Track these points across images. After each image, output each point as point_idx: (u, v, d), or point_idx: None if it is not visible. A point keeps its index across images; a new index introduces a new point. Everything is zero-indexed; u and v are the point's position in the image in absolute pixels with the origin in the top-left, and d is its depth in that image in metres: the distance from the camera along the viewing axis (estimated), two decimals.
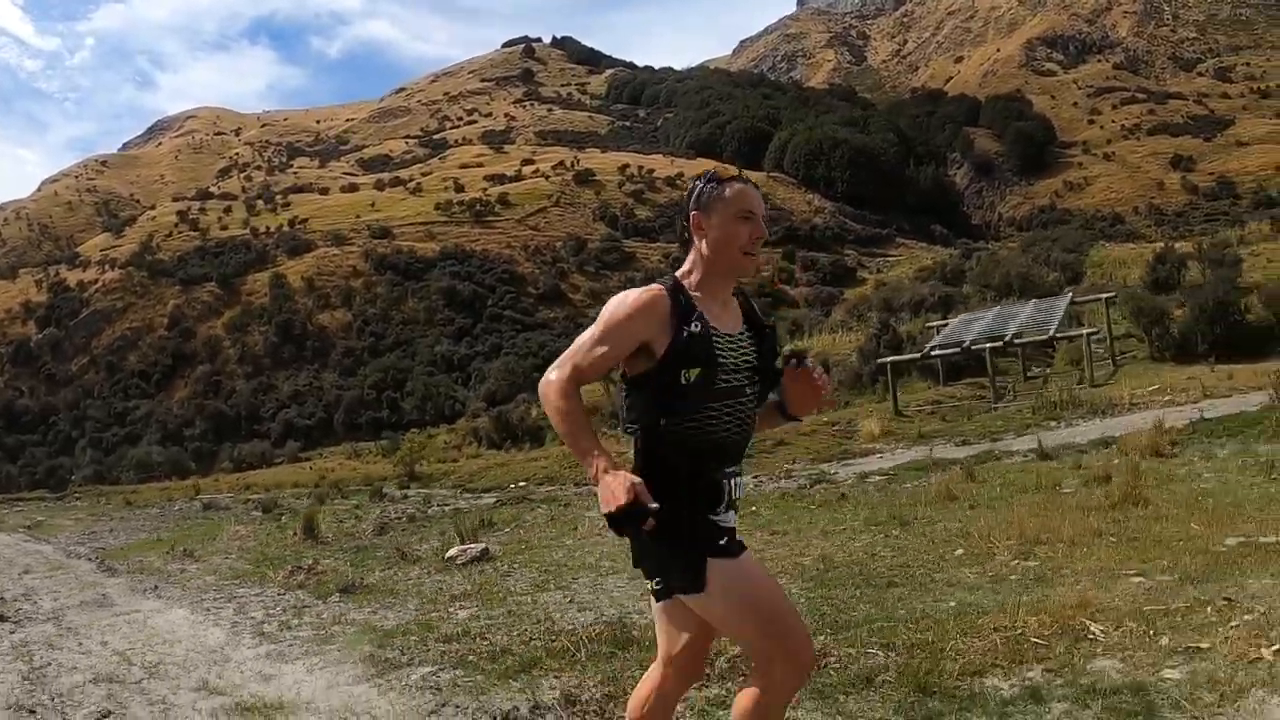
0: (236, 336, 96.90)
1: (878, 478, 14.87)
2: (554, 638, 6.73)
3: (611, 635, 6.53)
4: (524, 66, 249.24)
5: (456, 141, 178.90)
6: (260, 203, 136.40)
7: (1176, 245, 54.14)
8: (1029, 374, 30.33)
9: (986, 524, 9.10)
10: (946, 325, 32.78)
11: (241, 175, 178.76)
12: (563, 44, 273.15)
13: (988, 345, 27.24)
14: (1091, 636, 5.34)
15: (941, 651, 5.34)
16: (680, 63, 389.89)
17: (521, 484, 24.87)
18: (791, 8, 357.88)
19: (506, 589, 9.07)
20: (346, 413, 77.98)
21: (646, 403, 3.29)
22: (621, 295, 3.32)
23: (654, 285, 3.33)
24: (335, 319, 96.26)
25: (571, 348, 3.33)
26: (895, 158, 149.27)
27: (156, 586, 11.78)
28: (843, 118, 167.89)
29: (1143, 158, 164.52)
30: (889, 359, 28.89)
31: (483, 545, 11.29)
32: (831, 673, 5.31)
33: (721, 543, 3.26)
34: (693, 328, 3.22)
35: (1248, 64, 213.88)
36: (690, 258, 3.45)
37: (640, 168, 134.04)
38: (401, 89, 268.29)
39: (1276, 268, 49.24)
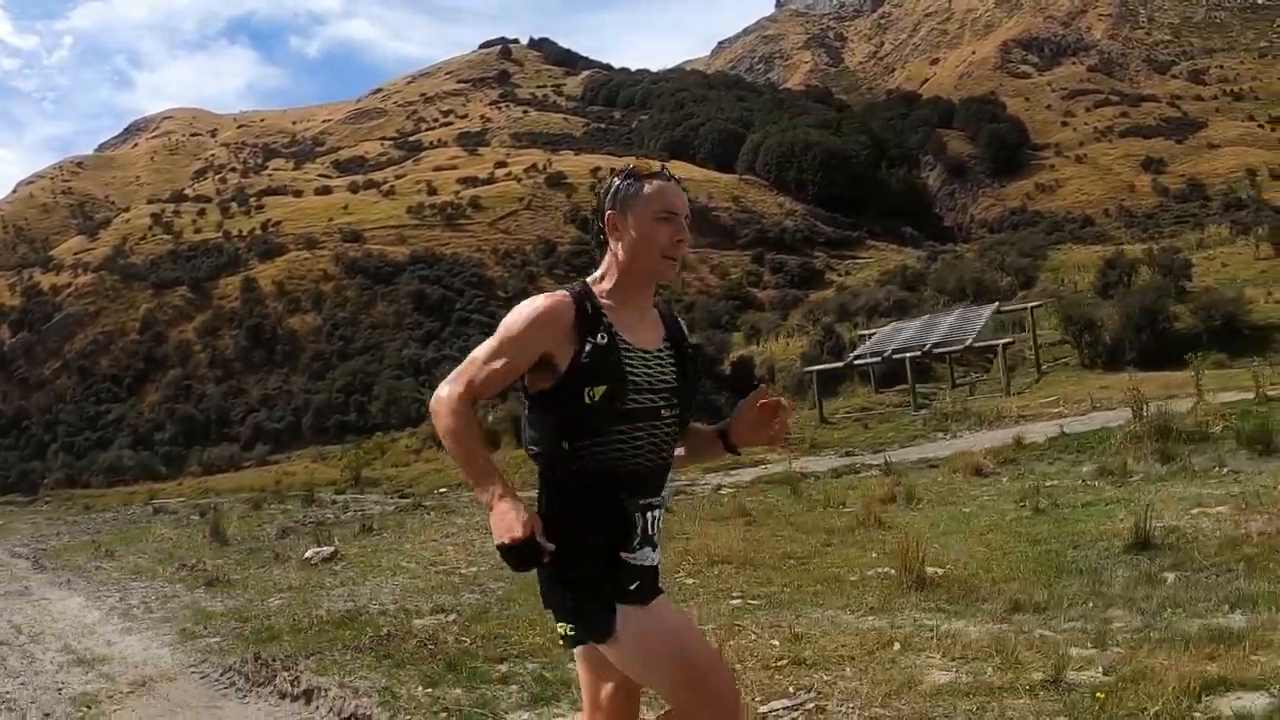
0: (207, 340, 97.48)
1: (729, 490, 15.69)
2: (303, 620, 8.61)
3: (340, 620, 8.48)
4: (500, 68, 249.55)
5: (431, 144, 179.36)
6: (234, 205, 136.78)
7: (1126, 250, 55.26)
8: (957, 382, 31.13)
9: (706, 541, 10.13)
10: (874, 334, 33.58)
11: (216, 177, 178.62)
12: (540, 45, 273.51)
13: (907, 355, 28.05)
14: None
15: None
16: (659, 64, 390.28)
17: (443, 490, 25.68)
18: (770, 9, 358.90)
19: (322, 584, 10.76)
20: (315, 416, 78.57)
21: (549, 423, 3.00)
22: (523, 303, 3.06)
23: (559, 291, 3.07)
24: (305, 323, 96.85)
25: (466, 360, 3.07)
26: (867, 160, 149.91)
27: (70, 580, 14.01)
28: (816, 120, 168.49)
29: (1114, 160, 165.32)
30: (814, 368, 29.71)
31: (333, 548, 12.68)
32: None
33: (633, 587, 2.94)
34: (598, 339, 2.95)
35: (1221, 66, 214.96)
36: (604, 262, 3.16)
37: (612, 170, 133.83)
38: (378, 90, 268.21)
39: (1229, 272, 50.38)
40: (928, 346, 28.36)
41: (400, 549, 13.03)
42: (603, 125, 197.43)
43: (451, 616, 8.12)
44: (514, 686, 5.85)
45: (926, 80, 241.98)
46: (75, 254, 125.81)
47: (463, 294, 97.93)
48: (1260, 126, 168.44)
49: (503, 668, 6.26)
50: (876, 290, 59.72)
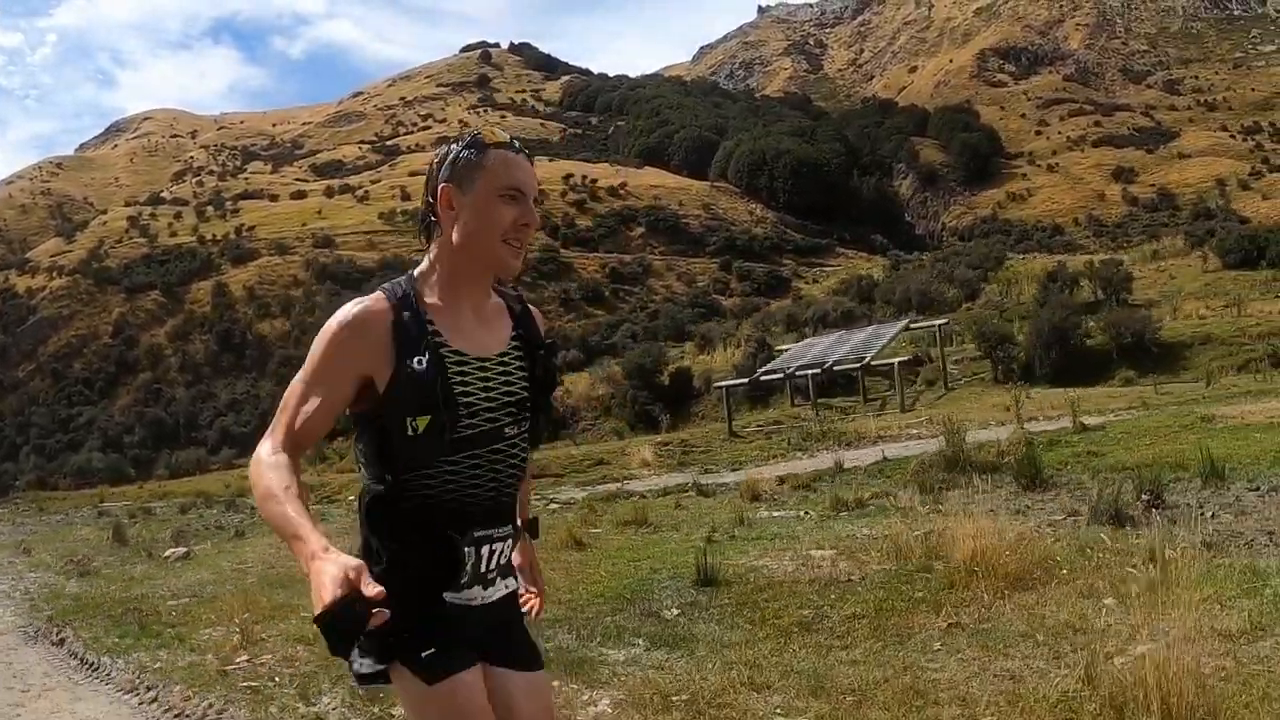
0: (178, 345, 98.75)
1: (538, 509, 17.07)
2: (98, 599, 11.66)
3: (123, 600, 11.43)
4: (480, 72, 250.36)
5: (409, 148, 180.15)
6: (210, 209, 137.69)
7: (1069, 262, 56.78)
8: (869, 397, 32.43)
9: None
10: (788, 349, 34.86)
11: (194, 180, 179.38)
12: (520, 50, 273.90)
13: (809, 372, 29.40)
14: None
15: None
16: (642, 69, 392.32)
17: (353, 498, 26.95)
18: (752, 15, 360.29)
19: (157, 577, 13.10)
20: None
21: (369, 452, 2.56)
22: (332, 317, 2.57)
23: (374, 294, 2.60)
24: (274, 328, 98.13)
25: (281, 404, 2.52)
26: (839, 168, 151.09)
27: None
28: (791, 127, 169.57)
29: (1086, 169, 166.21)
30: (724, 383, 30.99)
31: (186, 549, 14.44)
32: None
33: (425, 654, 2.48)
34: (418, 362, 2.47)
35: (1196, 77, 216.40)
36: (432, 249, 2.67)
37: (584, 177, 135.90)
38: (359, 93, 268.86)
39: (1175, 284, 51.80)
40: (828, 364, 29.65)
41: (239, 553, 14.74)
42: (579, 131, 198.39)
43: (186, 600, 10.91)
44: (172, 643, 8.83)
45: (904, 88, 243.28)
46: (52, 256, 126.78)
47: None
48: (1232, 136, 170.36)
49: (174, 630, 9.34)
50: (826, 301, 61.03)
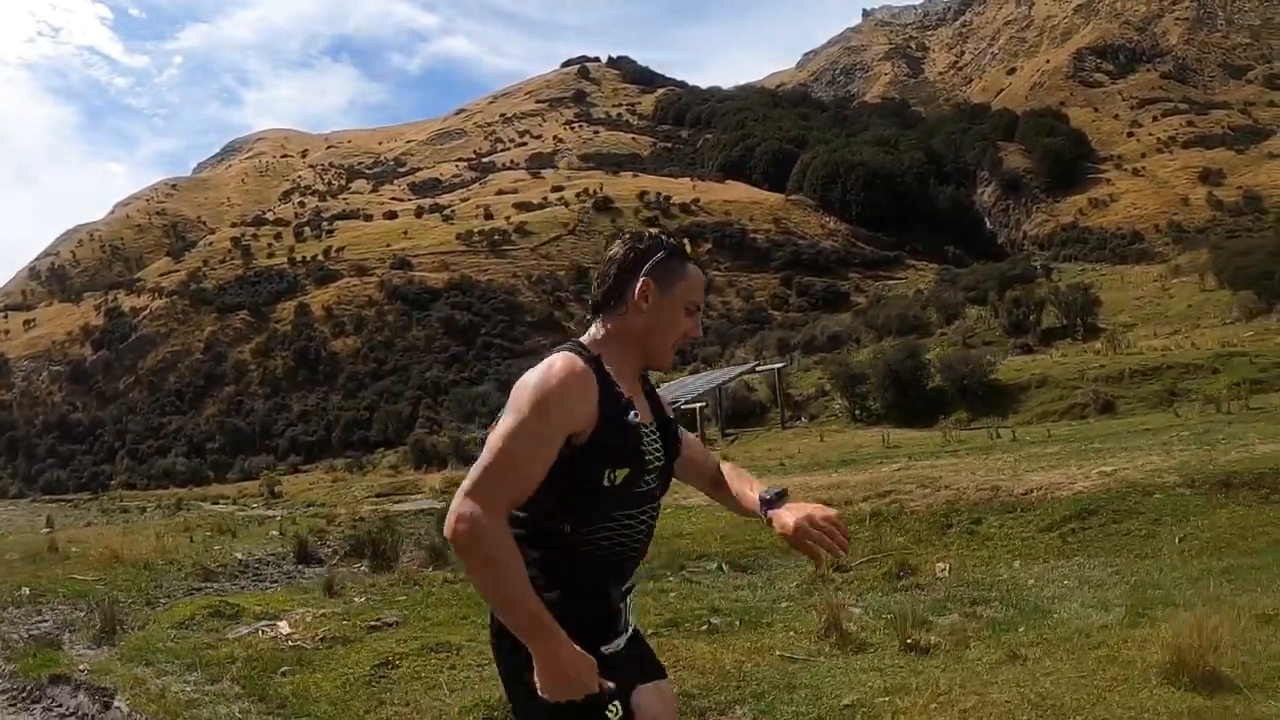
0: (260, 360, 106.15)
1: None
2: None
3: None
4: (577, 87, 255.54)
5: (503, 165, 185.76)
6: (308, 229, 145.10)
7: (1035, 287, 58.15)
8: (726, 432, 35.45)
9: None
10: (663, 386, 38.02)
11: (297, 200, 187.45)
12: (618, 63, 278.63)
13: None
14: None
15: None
16: (749, 76, 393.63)
17: (310, 506, 31.54)
18: (857, 19, 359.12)
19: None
20: (344, 431, 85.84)
21: (547, 502, 2.53)
22: (539, 373, 2.55)
23: (565, 354, 2.61)
24: (347, 345, 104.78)
25: (485, 459, 2.47)
26: (916, 177, 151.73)
27: None
28: (874, 136, 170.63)
29: (1172, 172, 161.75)
30: None
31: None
32: None
33: (614, 699, 2.54)
34: (629, 416, 2.60)
35: None
36: (606, 326, 2.74)
37: (659, 193, 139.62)
38: (462, 110, 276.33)
39: (1162, 306, 52.93)
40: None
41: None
42: (669, 145, 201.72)
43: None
44: None
45: (1002, 90, 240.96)
46: (159, 276, 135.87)
47: (489, 319, 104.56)
48: None
49: None
50: (814, 326, 63.63)
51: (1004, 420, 29.26)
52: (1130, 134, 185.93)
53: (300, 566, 14.70)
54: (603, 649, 2.58)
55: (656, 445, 2.74)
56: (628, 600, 2.74)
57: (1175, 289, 57.54)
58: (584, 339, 2.74)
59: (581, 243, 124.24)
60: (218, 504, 39.95)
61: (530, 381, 2.52)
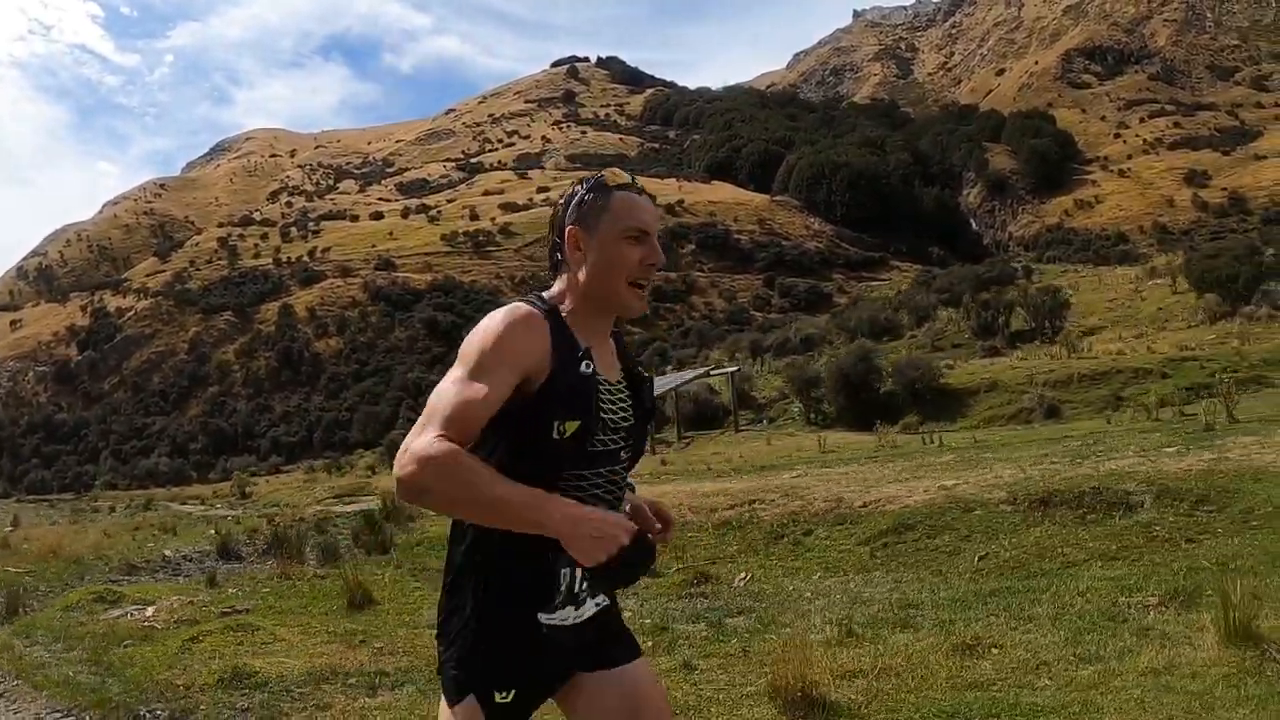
0: (244, 361, 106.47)
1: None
2: None
3: None
4: (566, 87, 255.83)
5: (490, 166, 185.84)
6: (294, 230, 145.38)
7: (1007, 290, 58.37)
8: (682, 436, 35.78)
9: None
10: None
11: (284, 201, 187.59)
12: (607, 64, 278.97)
13: None
14: None
15: None
16: (740, 76, 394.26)
17: (274, 507, 31.78)
18: (847, 19, 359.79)
19: None
20: (325, 432, 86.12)
21: (493, 456, 2.38)
22: (489, 317, 2.46)
23: (517, 303, 2.50)
24: (330, 346, 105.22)
25: (430, 403, 2.35)
26: (902, 179, 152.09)
27: None
28: (860, 138, 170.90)
29: (1158, 173, 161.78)
30: None
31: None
32: None
33: (513, 685, 2.47)
34: (583, 367, 2.45)
35: None
36: (558, 284, 2.62)
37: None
38: (451, 110, 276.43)
39: (1133, 308, 52.89)
40: None
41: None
42: (657, 145, 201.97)
43: None
44: None
45: (990, 91, 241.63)
46: (145, 276, 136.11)
47: (472, 321, 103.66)
48: None
49: None
50: (787, 328, 63.92)
51: (953, 424, 29.43)
52: (1117, 135, 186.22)
53: (220, 563, 15.05)
54: (541, 616, 2.46)
55: (622, 405, 2.62)
56: (578, 570, 2.44)
57: (1148, 292, 57.49)
58: (545, 292, 2.64)
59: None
60: (186, 504, 40.24)
61: (477, 328, 2.46)
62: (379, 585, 10.14)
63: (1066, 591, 6.57)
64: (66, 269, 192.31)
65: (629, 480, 2.73)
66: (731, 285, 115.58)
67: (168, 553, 16.04)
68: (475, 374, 2.34)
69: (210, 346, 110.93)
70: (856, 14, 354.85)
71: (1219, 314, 43.29)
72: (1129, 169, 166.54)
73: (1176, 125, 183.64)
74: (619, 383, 2.64)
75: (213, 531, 19.32)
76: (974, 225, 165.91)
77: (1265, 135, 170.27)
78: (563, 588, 2.45)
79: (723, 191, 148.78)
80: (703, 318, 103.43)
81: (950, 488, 9.82)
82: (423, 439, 2.25)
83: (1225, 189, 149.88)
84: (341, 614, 8.89)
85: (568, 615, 2.48)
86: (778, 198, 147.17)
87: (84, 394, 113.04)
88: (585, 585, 2.48)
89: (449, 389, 2.35)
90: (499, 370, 2.34)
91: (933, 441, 21.71)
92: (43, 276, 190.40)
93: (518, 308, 2.46)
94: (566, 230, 2.60)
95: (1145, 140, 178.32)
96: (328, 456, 69.89)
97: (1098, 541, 7.60)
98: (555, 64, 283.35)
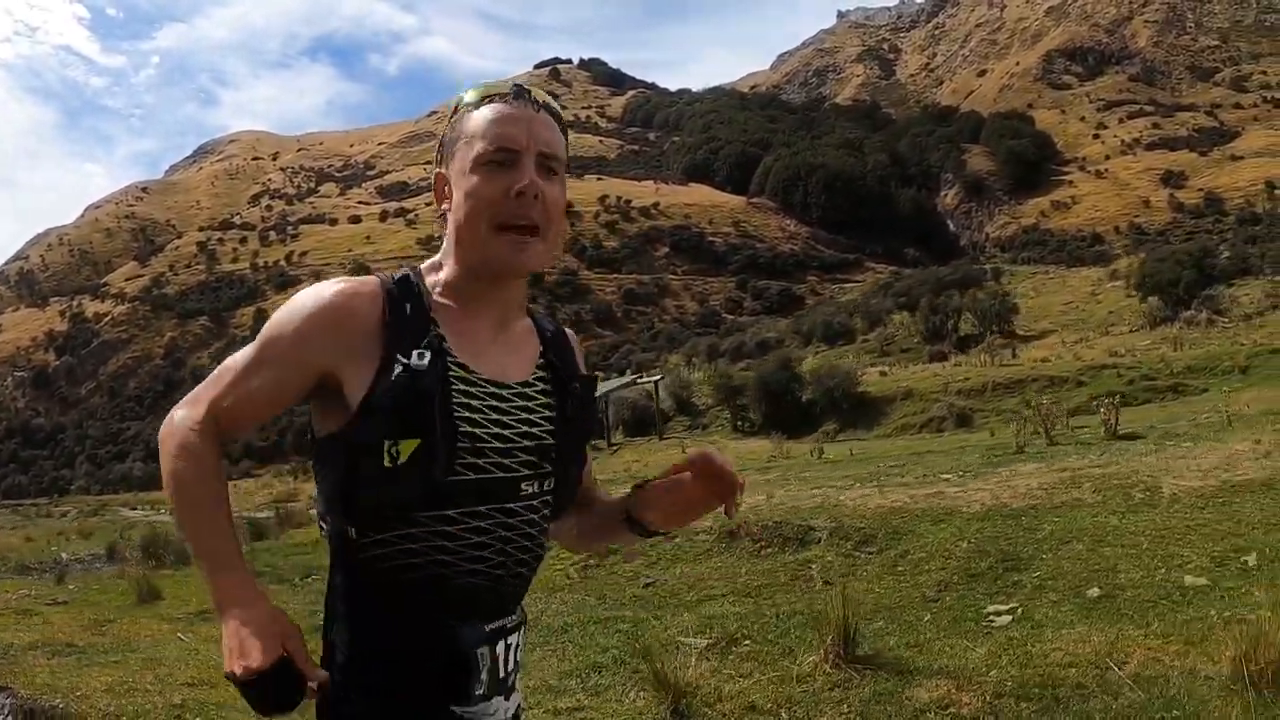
0: (218, 365, 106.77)
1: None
2: None
3: None
4: (548, 89, 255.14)
5: None
6: (273, 234, 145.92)
7: (952, 299, 58.62)
8: (612, 443, 36.38)
9: None
10: None
11: (265, 204, 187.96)
12: (589, 65, 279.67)
13: None
14: None
15: None
16: (726, 77, 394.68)
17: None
18: (832, 20, 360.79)
19: None
20: (295, 436, 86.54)
21: (331, 492, 1.71)
22: (303, 291, 1.75)
23: (366, 277, 1.75)
24: None
25: (215, 371, 1.77)
26: (879, 180, 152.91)
27: None
28: (839, 139, 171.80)
29: (1135, 174, 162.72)
30: None
31: None
32: None
33: None
34: (412, 359, 1.65)
35: (1264, 72, 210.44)
36: (444, 244, 1.82)
37: (619, 197, 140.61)
38: (434, 112, 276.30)
39: (1086, 311, 53.40)
40: None
41: None
42: (636, 148, 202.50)
43: None
44: None
45: (972, 92, 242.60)
46: (125, 280, 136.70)
47: None
48: None
49: None
50: (743, 333, 64.52)
51: (869, 432, 29.81)
52: (1096, 136, 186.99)
53: (104, 565, 15.76)
54: (454, 709, 1.72)
55: (509, 413, 1.76)
56: (498, 647, 1.76)
57: (1104, 295, 57.81)
58: (428, 261, 1.86)
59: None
60: (137, 510, 40.88)
61: (286, 303, 1.75)
62: (174, 584, 10.88)
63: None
64: (48, 273, 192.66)
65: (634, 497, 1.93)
66: (704, 288, 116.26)
67: (64, 555, 16.91)
68: (259, 360, 1.71)
69: (186, 351, 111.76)
70: (841, 15, 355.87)
71: (1159, 319, 43.66)
72: (1106, 170, 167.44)
73: (1155, 126, 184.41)
74: (524, 383, 1.81)
75: (118, 536, 20.01)
76: (951, 226, 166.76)
77: (1243, 136, 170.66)
78: (484, 672, 1.74)
79: (699, 194, 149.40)
80: (673, 320, 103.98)
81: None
82: (186, 411, 1.74)
83: (1202, 189, 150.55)
84: (128, 608, 9.56)
85: (494, 708, 1.77)
86: (754, 200, 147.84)
87: (61, 399, 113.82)
88: (515, 667, 1.82)
89: (230, 368, 1.75)
90: (286, 362, 1.69)
91: (819, 454, 22.07)
92: (24, 281, 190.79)
93: (330, 285, 1.72)
94: (436, 175, 1.84)
95: (1123, 141, 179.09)
96: (298, 460, 70.50)
97: (750, 576, 7.80)
98: (538, 66, 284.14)
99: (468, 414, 1.70)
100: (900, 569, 7.06)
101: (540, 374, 1.85)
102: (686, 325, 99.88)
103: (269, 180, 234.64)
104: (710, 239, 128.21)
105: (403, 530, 1.69)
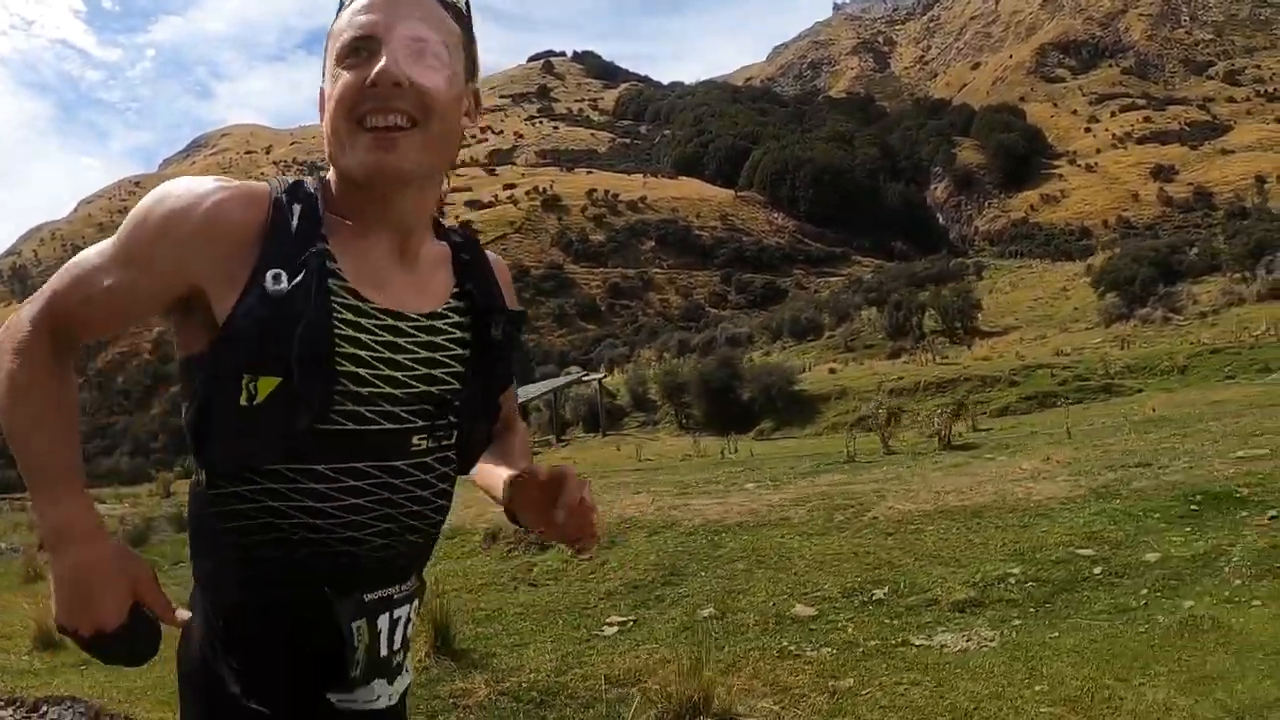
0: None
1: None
2: None
3: None
4: (541, 82, 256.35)
5: (462, 162, 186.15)
6: None
7: (916, 294, 59.03)
8: (560, 438, 37.04)
9: None
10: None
11: None
12: (583, 58, 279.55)
13: None
14: None
15: None
16: (722, 69, 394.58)
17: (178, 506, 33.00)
18: (828, 13, 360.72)
19: None
20: None
21: (187, 429, 1.50)
22: (173, 182, 1.44)
23: (255, 182, 1.47)
24: None
25: (61, 270, 1.49)
26: (868, 174, 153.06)
27: None
28: (830, 132, 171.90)
29: (1125, 168, 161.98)
30: None
31: None
32: None
33: None
34: (283, 278, 1.37)
35: (1258, 66, 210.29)
36: None
37: (607, 190, 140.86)
38: None
39: (1053, 308, 53.82)
40: None
41: None
42: (628, 141, 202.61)
43: None
44: None
45: (965, 85, 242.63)
46: None
47: None
48: None
49: None
50: (714, 328, 64.95)
51: (803, 430, 30.19)
52: (1088, 129, 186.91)
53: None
54: (331, 696, 1.48)
55: (404, 349, 1.48)
56: (380, 621, 1.50)
57: (1074, 291, 58.10)
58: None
59: (527, 241, 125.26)
60: (105, 504, 41.35)
61: (158, 188, 1.47)
62: None
63: None
64: (41, 268, 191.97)
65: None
66: (689, 281, 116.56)
67: (2, 545, 17.57)
68: (114, 257, 1.44)
69: (174, 347, 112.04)
70: (836, 7, 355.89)
71: (1115, 316, 43.89)
72: (1097, 163, 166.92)
73: (1147, 120, 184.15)
74: (430, 315, 1.53)
75: None
76: (940, 220, 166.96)
77: (1234, 130, 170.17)
78: (360, 650, 1.49)
79: (688, 187, 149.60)
80: (657, 314, 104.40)
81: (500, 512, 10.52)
82: (29, 308, 1.49)
83: (1191, 183, 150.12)
84: (13, 588, 10.37)
85: (375, 692, 1.53)
86: (742, 193, 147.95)
87: None
88: (401, 645, 1.57)
89: (80, 264, 1.48)
90: (141, 263, 1.42)
91: (724, 455, 22.44)
92: (16, 276, 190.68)
93: (222, 179, 1.46)
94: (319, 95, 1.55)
95: (1115, 135, 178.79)
96: None
97: (478, 577, 8.04)
98: (532, 58, 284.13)
99: (351, 349, 1.43)
100: (592, 576, 7.46)
101: (454, 305, 1.59)
102: (670, 319, 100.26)
103: (262, 174, 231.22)
104: (697, 232, 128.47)
105: (260, 485, 1.43)
